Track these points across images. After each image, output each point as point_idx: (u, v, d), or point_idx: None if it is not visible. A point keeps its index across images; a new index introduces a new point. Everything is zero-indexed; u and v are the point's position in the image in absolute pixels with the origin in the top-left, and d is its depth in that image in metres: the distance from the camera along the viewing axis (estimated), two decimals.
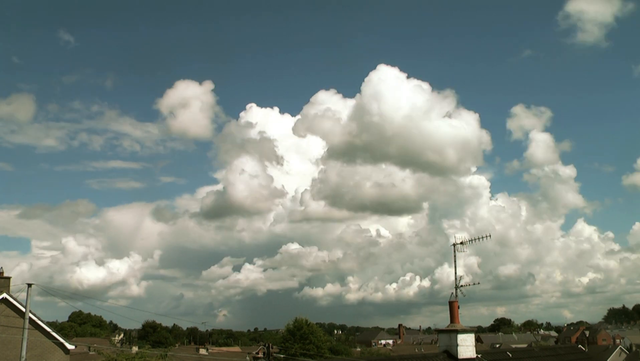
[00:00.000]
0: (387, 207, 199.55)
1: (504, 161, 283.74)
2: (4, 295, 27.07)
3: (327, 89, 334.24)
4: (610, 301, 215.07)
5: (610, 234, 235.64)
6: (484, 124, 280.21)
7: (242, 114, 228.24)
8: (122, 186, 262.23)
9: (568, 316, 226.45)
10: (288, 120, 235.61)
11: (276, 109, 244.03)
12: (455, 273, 18.01)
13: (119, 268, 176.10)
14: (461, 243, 18.55)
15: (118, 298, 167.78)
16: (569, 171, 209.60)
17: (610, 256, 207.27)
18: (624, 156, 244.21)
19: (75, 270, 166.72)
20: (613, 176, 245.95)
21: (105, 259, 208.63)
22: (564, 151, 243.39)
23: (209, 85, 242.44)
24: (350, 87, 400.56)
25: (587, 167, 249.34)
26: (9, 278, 28.24)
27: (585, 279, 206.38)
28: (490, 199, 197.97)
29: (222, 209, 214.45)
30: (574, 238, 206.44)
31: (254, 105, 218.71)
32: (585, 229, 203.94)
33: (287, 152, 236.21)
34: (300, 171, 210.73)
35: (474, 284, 18.35)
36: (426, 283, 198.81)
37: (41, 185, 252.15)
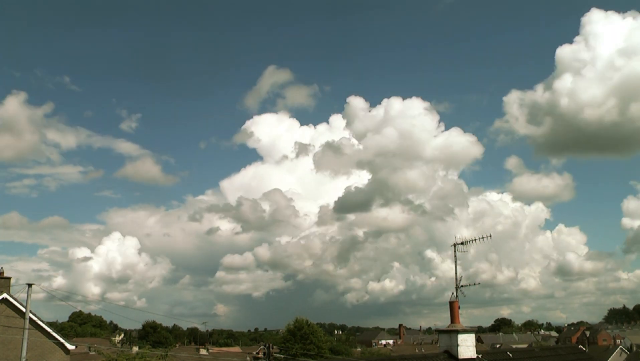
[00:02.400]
0: None
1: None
2: (5, 295, 27.06)
3: None
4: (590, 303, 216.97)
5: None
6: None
7: None
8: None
9: (562, 317, 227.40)
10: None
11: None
12: (456, 273, 17.96)
13: None
14: (462, 243, 18.48)
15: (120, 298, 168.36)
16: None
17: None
18: None
19: None
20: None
21: None
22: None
23: None
24: None
25: None
26: (9, 278, 28.23)
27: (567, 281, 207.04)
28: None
29: None
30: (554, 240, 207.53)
31: None
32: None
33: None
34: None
35: (475, 284, 18.31)
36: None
37: None
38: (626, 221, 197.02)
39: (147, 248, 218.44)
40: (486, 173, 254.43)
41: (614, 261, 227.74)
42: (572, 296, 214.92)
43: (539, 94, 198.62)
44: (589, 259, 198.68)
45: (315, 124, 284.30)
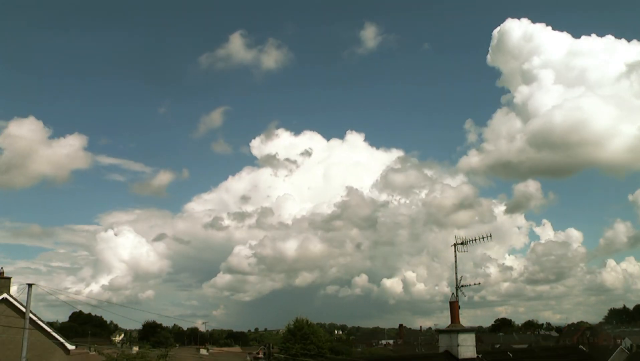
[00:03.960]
0: None
1: None
2: (5, 295, 27.06)
3: None
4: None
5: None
6: None
7: None
8: None
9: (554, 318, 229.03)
10: None
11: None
12: (456, 273, 17.96)
13: None
14: (462, 243, 18.48)
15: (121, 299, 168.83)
16: None
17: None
18: None
19: None
20: None
21: None
22: None
23: None
24: None
25: None
26: (9, 278, 28.25)
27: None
28: None
29: None
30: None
31: None
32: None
33: None
34: None
35: (475, 284, 18.32)
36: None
37: None
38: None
39: (150, 248, 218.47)
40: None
41: (598, 260, 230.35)
42: (563, 296, 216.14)
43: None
44: (577, 257, 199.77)
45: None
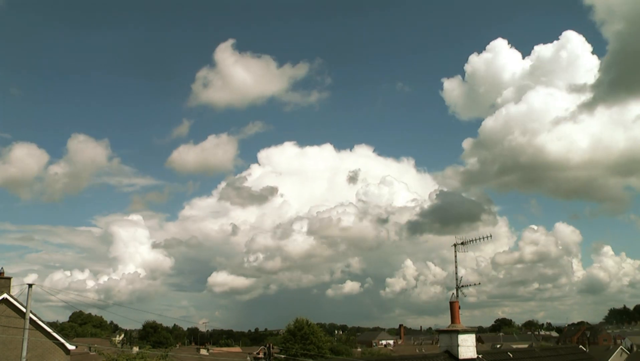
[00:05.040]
0: None
1: None
2: (5, 295, 27.06)
3: None
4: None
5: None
6: None
7: None
8: None
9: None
10: None
11: None
12: (456, 273, 17.94)
13: None
14: (462, 243, 18.47)
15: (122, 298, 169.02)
16: None
17: None
18: None
19: None
20: None
21: None
22: None
23: None
24: None
25: None
26: (9, 279, 28.24)
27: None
28: None
29: None
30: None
31: None
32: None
33: None
34: None
35: (475, 284, 18.30)
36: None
37: None
38: None
39: (150, 250, 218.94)
40: None
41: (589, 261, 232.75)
42: (554, 297, 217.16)
43: None
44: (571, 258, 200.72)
45: None
